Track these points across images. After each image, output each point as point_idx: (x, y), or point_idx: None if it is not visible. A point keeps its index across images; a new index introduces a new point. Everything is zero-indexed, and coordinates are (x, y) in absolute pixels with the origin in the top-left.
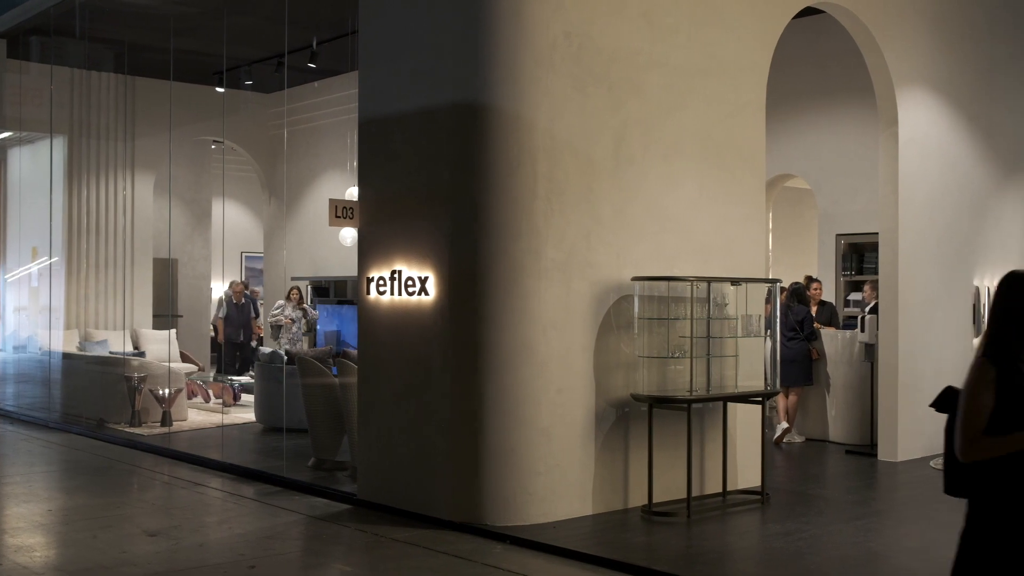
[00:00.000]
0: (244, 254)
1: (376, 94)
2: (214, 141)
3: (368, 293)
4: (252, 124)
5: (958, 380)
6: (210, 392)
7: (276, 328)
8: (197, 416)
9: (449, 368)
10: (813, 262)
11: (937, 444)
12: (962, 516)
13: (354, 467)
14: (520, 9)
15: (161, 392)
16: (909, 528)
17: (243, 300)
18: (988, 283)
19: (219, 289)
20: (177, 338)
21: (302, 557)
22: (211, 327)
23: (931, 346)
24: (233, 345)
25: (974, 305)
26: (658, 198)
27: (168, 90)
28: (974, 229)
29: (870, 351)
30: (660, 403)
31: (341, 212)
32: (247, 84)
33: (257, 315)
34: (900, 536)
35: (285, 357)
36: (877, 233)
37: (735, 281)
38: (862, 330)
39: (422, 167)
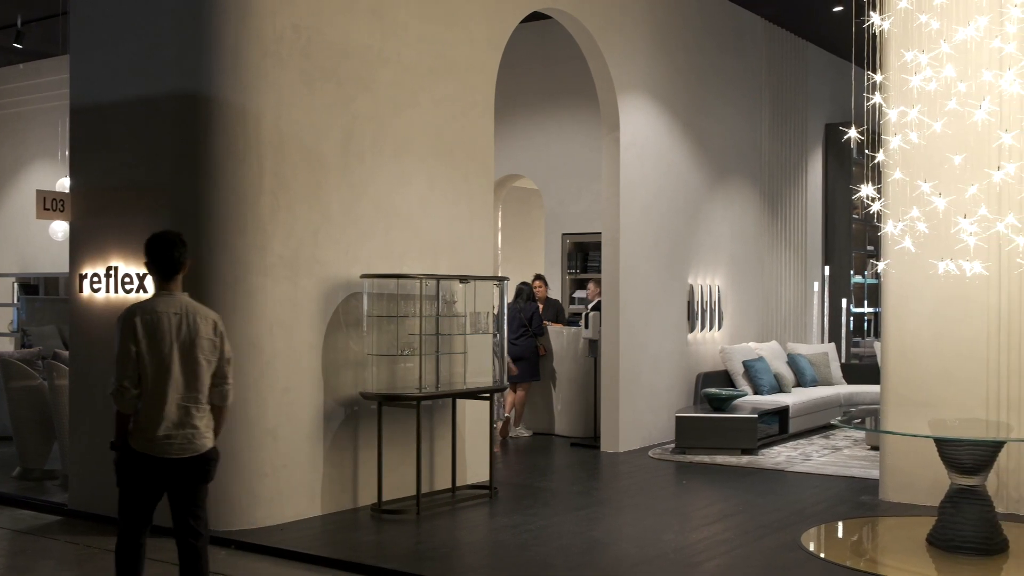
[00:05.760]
0: None
1: (91, 80)
2: None
3: (81, 291)
4: None
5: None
6: None
7: None
8: None
9: None
10: (540, 261)
11: (655, 435)
12: (674, 503)
13: (65, 476)
14: None
15: None
16: (628, 516)
17: None
18: (701, 281)
19: None
20: None
21: (5, 575)
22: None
23: (649, 342)
24: None
25: (689, 303)
26: (388, 195)
27: None
28: (688, 230)
29: (594, 347)
30: (389, 400)
31: (50, 204)
32: None
33: None
34: (620, 524)
35: None
36: (600, 233)
37: (464, 279)
38: (586, 327)
39: (142, 159)
